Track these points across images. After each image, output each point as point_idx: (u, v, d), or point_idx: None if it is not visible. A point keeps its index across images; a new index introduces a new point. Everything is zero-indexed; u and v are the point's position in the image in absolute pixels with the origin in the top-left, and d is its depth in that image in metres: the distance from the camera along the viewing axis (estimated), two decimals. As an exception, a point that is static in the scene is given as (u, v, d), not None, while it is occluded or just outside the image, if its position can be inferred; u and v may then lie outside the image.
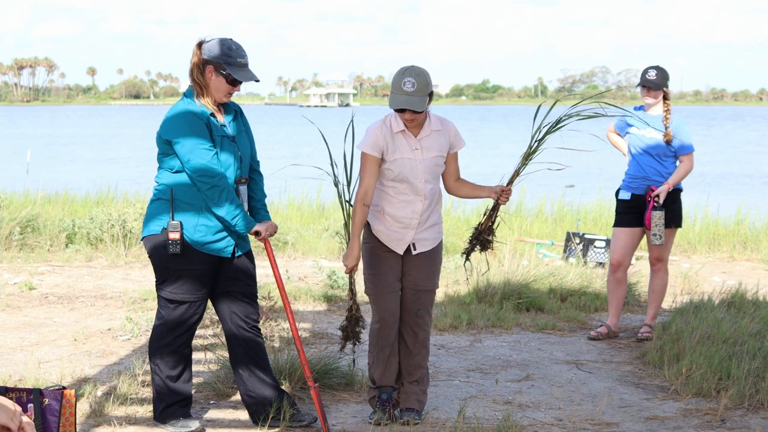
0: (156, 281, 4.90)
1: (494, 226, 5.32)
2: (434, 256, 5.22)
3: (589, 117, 5.30)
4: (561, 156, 5.36)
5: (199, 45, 4.82)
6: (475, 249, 5.37)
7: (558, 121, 5.24)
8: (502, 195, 5.18)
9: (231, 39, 4.81)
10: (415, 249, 5.15)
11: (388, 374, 5.20)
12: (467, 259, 5.41)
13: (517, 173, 5.25)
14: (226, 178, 4.74)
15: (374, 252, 5.14)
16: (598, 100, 5.40)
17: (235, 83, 4.81)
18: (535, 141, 5.22)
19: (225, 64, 4.76)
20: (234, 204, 4.73)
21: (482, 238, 5.32)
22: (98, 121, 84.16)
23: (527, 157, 5.23)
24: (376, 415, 5.12)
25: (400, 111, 4.96)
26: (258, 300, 5.05)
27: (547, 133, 5.23)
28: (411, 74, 4.92)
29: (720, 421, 5.23)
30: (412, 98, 4.90)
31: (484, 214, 5.35)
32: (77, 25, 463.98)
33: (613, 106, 5.44)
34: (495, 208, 5.29)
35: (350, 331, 5.35)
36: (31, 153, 19.55)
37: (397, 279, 5.17)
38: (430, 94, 5.01)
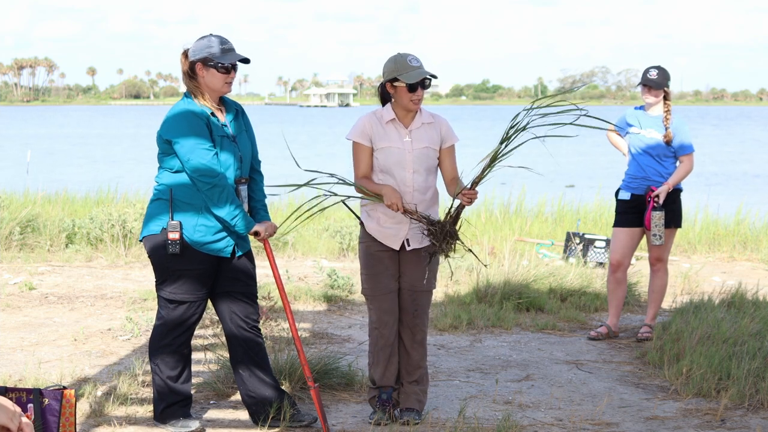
0: (156, 281, 4.91)
1: (457, 228, 5.00)
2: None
3: (558, 119, 4.94)
4: (548, 158, 5.18)
5: (185, 53, 4.85)
6: (440, 251, 4.99)
7: (523, 127, 4.97)
8: (464, 196, 4.95)
9: (210, 33, 4.84)
10: (409, 245, 5.13)
11: (388, 374, 5.20)
12: (430, 260, 5.10)
13: (481, 176, 5.00)
14: (226, 178, 4.74)
15: (369, 252, 5.13)
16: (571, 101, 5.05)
17: (227, 70, 4.82)
18: (503, 143, 4.99)
19: (210, 55, 4.77)
20: (234, 204, 4.73)
21: (445, 239, 4.94)
22: (98, 121, 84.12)
23: (494, 158, 4.99)
24: (376, 415, 5.12)
25: (412, 89, 4.97)
26: (258, 300, 5.05)
27: (509, 137, 4.96)
28: (408, 54, 5.00)
29: (720, 421, 5.23)
30: (424, 69, 4.99)
31: (446, 213, 4.99)
32: (77, 25, 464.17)
33: (583, 111, 4.94)
34: (458, 209, 5.00)
35: (448, 236, 4.91)
36: (32, 153, 19.54)
37: (394, 279, 5.16)
38: None
